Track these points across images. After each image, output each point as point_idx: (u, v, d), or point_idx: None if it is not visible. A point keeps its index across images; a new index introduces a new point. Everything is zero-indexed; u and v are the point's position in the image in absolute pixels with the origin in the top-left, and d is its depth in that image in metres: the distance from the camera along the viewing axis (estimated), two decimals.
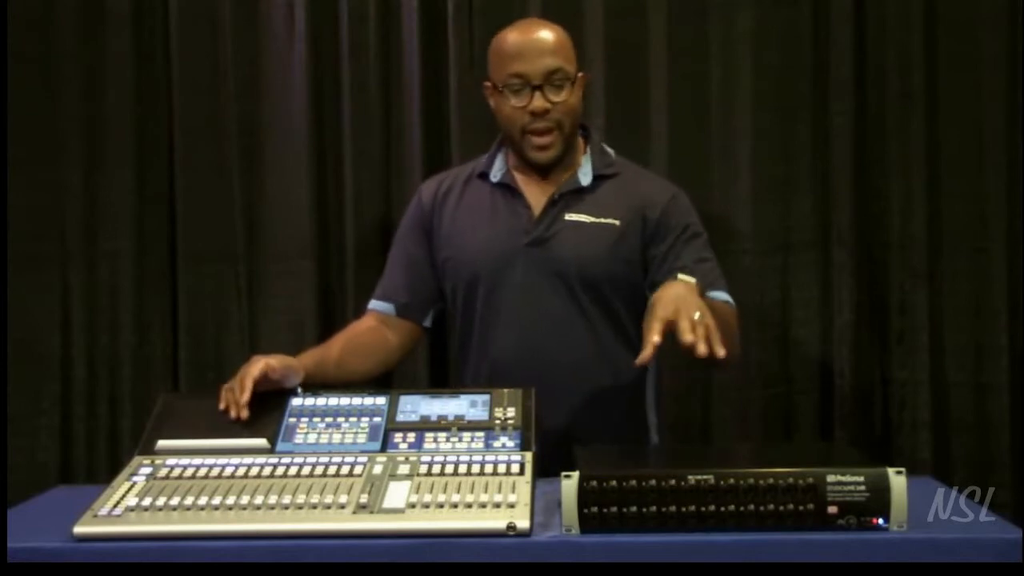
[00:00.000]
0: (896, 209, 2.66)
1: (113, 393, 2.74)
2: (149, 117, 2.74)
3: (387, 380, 2.63)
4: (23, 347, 2.70)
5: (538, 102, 2.08)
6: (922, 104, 2.64)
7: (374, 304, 2.24)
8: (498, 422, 1.80)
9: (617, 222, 2.14)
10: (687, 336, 1.72)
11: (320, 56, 2.72)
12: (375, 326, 2.22)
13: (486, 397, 1.86)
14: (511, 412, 1.82)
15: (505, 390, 1.88)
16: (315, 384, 1.96)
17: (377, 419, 1.82)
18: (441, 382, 2.63)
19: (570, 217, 2.14)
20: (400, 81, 2.71)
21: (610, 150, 2.25)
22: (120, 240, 2.73)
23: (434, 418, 1.82)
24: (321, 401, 1.88)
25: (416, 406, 1.85)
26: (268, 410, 1.85)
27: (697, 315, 1.74)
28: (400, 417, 1.83)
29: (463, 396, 1.87)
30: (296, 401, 1.88)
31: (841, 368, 2.65)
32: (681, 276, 1.93)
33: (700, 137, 2.68)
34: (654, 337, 1.73)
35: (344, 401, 1.87)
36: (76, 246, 2.74)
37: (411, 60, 2.70)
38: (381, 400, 1.87)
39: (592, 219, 2.14)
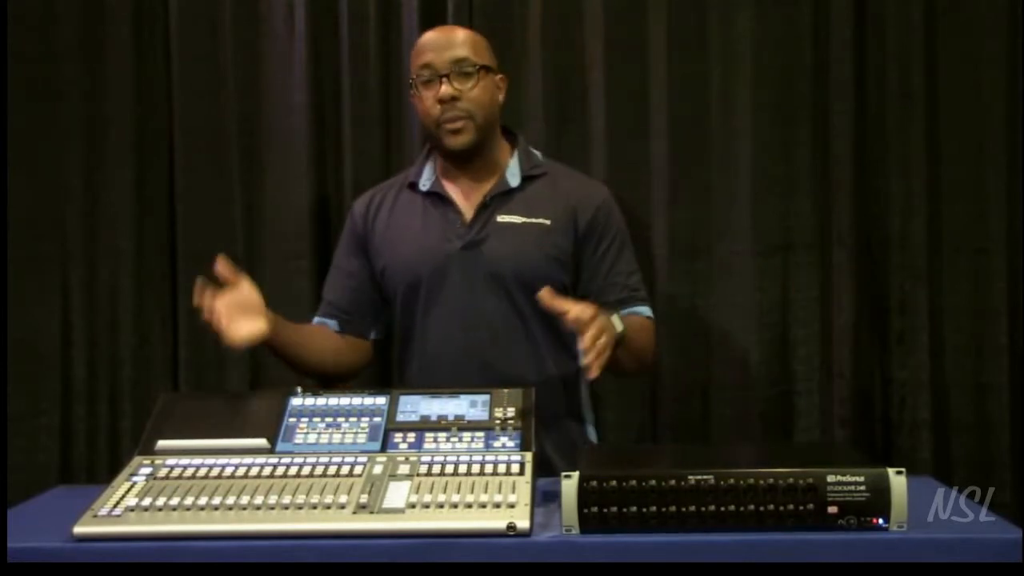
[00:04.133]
0: (896, 209, 2.66)
1: (113, 393, 2.73)
2: (149, 117, 2.74)
3: (388, 379, 2.64)
4: (23, 347, 2.70)
5: (444, 88, 2.13)
6: (922, 104, 2.64)
7: (317, 321, 2.29)
8: (498, 422, 1.80)
9: (548, 221, 2.18)
10: (587, 345, 1.82)
11: (320, 56, 2.72)
12: (328, 330, 2.27)
13: (486, 397, 1.87)
14: (511, 412, 1.83)
15: (505, 390, 1.88)
16: (277, 350, 2.06)
17: (377, 419, 1.82)
18: None
19: (502, 219, 2.19)
20: (400, 81, 2.71)
21: (537, 152, 2.29)
22: (120, 240, 2.73)
23: (434, 418, 1.82)
24: (321, 401, 1.88)
25: (416, 406, 1.85)
26: (268, 410, 1.85)
27: (603, 340, 1.83)
28: (400, 417, 1.83)
29: (463, 396, 1.88)
30: (296, 401, 1.88)
31: (841, 368, 2.65)
32: (616, 318, 1.99)
33: (700, 137, 2.68)
34: (567, 305, 1.86)
35: (344, 401, 1.88)
36: (76, 246, 2.73)
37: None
38: (381, 400, 1.87)
39: (523, 219, 2.18)
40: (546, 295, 1.86)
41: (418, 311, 2.20)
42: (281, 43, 2.73)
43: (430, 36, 2.23)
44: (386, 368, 2.64)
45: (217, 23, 2.73)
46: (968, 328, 2.66)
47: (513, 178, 2.21)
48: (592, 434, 2.31)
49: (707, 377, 2.69)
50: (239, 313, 1.95)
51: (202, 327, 1.97)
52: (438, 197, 2.22)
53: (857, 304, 2.65)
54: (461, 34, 2.22)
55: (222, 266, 1.97)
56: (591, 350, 1.81)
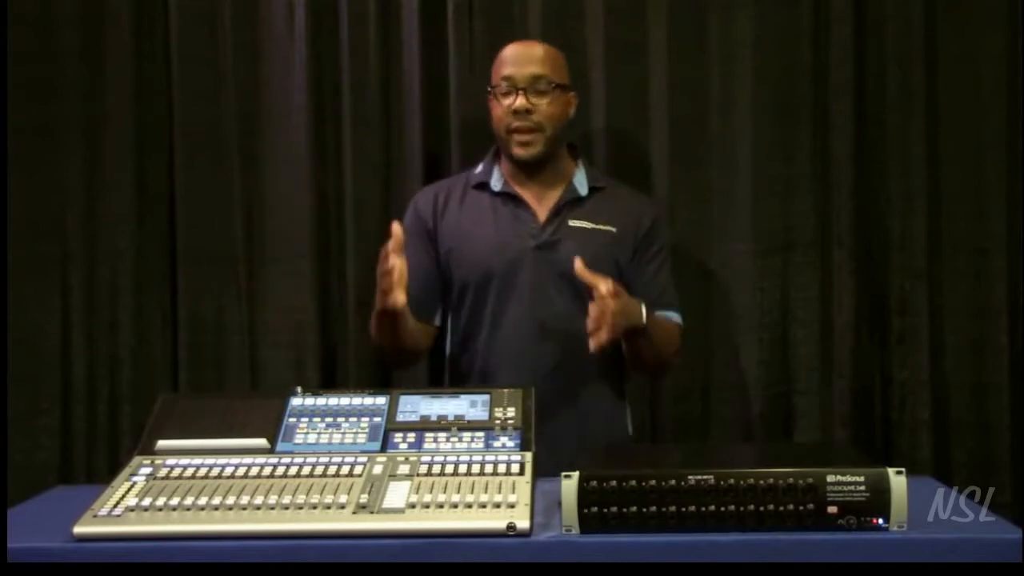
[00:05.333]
0: (896, 209, 2.66)
1: (113, 393, 2.73)
2: (149, 117, 2.74)
3: (387, 380, 2.64)
4: (23, 347, 2.70)
5: (520, 101, 2.27)
6: (922, 104, 2.64)
7: None
8: (498, 422, 1.81)
9: (614, 229, 2.33)
10: (593, 316, 2.03)
11: (320, 56, 2.72)
12: None
13: (486, 397, 1.87)
14: (511, 412, 1.83)
15: (505, 390, 1.88)
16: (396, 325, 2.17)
17: (377, 419, 1.82)
18: (439, 382, 2.63)
19: (573, 223, 2.32)
20: (400, 81, 2.71)
21: (595, 168, 2.43)
22: (120, 240, 2.73)
23: (434, 418, 1.82)
24: (321, 401, 1.88)
25: (416, 406, 1.85)
26: (268, 410, 1.85)
27: (611, 316, 2.03)
28: (400, 417, 1.83)
29: (463, 396, 1.88)
30: (296, 401, 1.88)
31: (841, 368, 2.65)
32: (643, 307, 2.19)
33: (700, 137, 2.68)
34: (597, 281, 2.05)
35: (344, 401, 1.88)
36: (76, 246, 2.73)
37: (411, 60, 2.69)
38: (381, 400, 1.87)
39: (593, 225, 2.32)
40: (579, 265, 2.06)
41: (488, 305, 2.30)
42: (281, 43, 2.72)
43: (513, 49, 2.34)
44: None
45: (217, 23, 2.73)
46: (968, 328, 2.66)
47: (581, 187, 2.35)
48: (629, 426, 2.43)
49: (707, 377, 2.70)
50: (399, 282, 2.07)
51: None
52: (510, 197, 2.33)
53: (857, 304, 2.65)
54: (541, 51, 2.33)
55: (397, 233, 2.05)
56: (598, 319, 2.00)
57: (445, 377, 2.46)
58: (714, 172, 2.69)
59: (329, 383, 2.70)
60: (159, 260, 2.75)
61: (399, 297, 2.06)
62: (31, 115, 2.71)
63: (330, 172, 2.74)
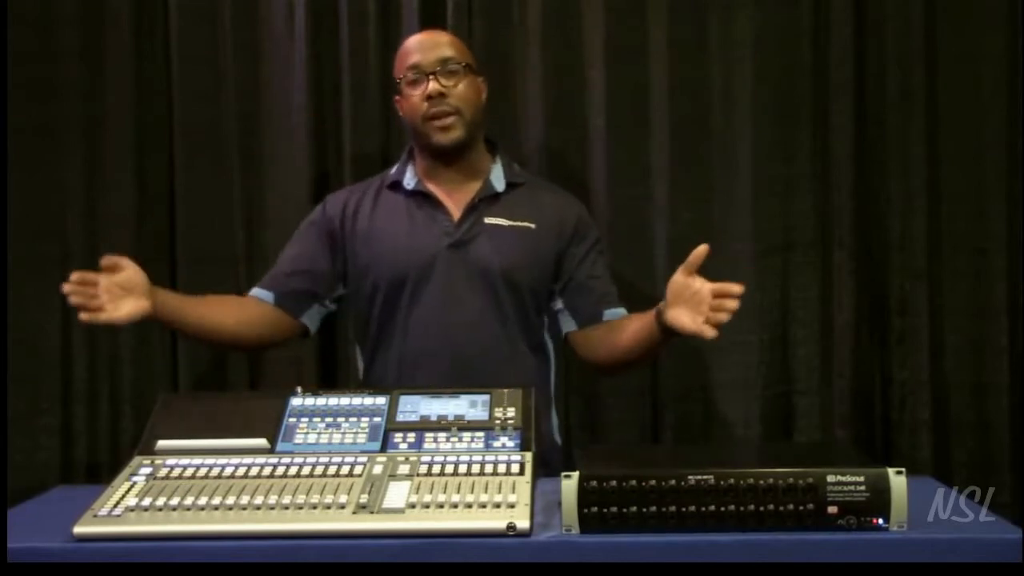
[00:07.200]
0: (896, 209, 2.66)
1: (113, 393, 2.73)
2: (149, 117, 2.74)
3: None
4: (23, 347, 2.70)
5: (432, 85, 2.21)
6: (922, 104, 2.64)
7: (254, 292, 2.30)
8: (498, 422, 1.81)
9: (533, 225, 2.26)
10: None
11: (320, 56, 2.72)
12: (251, 300, 2.29)
13: (486, 397, 1.87)
14: (511, 412, 1.83)
15: (505, 390, 1.88)
16: (172, 324, 2.11)
17: (377, 419, 1.83)
18: None
19: (489, 220, 2.26)
20: None
21: (515, 164, 2.37)
22: (120, 240, 2.73)
23: (434, 418, 1.82)
24: (321, 401, 1.88)
25: (416, 406, 1.85)
26: (268, 410, 1.85)
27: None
28: (400, 417, 1.83)
29: (463, 396, 1.88)
30: (296, 401, 1.88)
31: (841, 368, 2.65)
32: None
33: (700, 137, 2.68)
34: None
35: (344, 401, 1.88)
36: (76, 246, 2.73)
37: None
38: (381, 400, 1.87)
39: (510, 222, 2.26)
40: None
41: (401, 307, 2.24)
42: (281, 43, 2.72)
43: (415, 39, 2.31)
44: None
45: (217, 23, 2.73)
46: (968, 328, 2.66)
47: (498, 182, 2.29)
48: (557, 436, 2.35)
49: (707, 377, 2.69)
50: (122, 294, 1.97)
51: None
52: (423, 197, 2.27)
53: (857, 304, 2.65)
54: (445, 36, 2.32)
55: (105, 260, 1.98)
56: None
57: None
58: (714, 172, 2.69)
59: (329, 383, 2.70)
60: (159, 260, 2.75)
61: (115, 312, 1.95)
62: (31, 115, 2.70)
63: (330, 172, 2.74)
